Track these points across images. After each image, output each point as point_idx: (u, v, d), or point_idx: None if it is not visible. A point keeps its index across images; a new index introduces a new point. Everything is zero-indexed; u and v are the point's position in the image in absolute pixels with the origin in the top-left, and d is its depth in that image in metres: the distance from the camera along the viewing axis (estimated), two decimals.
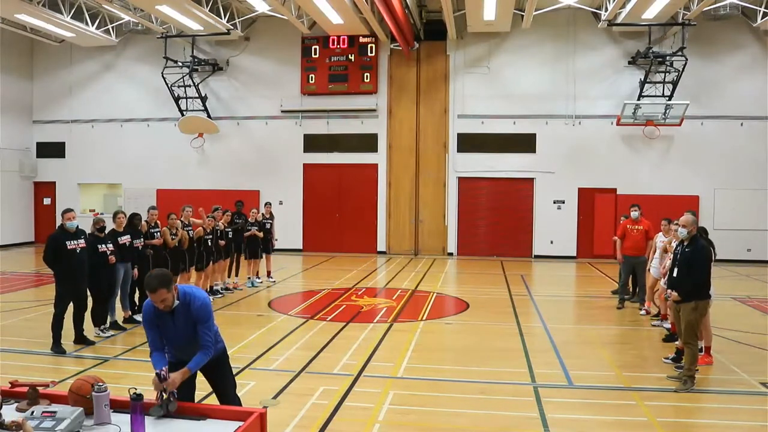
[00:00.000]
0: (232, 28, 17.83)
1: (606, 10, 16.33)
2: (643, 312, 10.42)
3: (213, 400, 4.53)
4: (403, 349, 8.17)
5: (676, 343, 7.55)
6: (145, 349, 7.77)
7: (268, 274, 13.72)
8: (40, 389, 3.53)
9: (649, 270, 10.12)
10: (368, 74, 18.94)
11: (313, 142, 19.57)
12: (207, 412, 3.46)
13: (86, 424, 3.18)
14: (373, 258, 18.48)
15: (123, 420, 3.21)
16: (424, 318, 10.31)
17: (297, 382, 6.71)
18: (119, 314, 9.30)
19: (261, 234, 13.10)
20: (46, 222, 20.75)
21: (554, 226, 18.55)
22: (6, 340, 8.30)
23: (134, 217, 9.47)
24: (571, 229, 18.58)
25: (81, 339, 8.19)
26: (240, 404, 4.33)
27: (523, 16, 16.54)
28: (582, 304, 12.15)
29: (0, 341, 8.18)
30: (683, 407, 6.13)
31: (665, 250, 9.07)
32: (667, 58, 16.92)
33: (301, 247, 19.65)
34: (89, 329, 8.43)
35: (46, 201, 21.29)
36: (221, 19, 17.03)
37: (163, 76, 18.78)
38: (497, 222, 18.96)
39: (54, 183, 21.26)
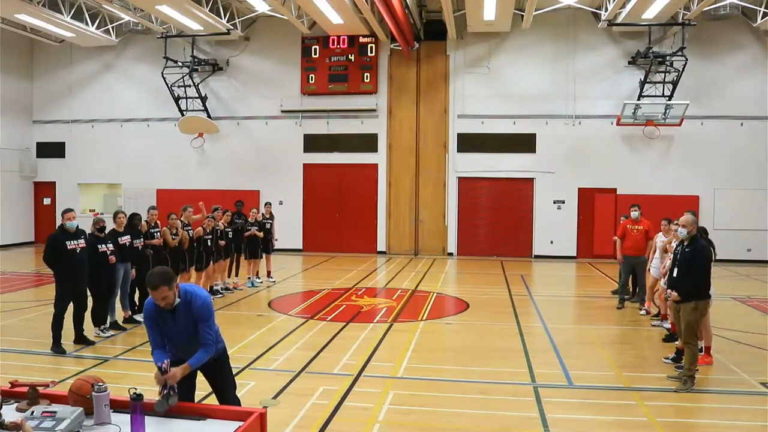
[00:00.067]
0: (232, 28, 17.83)
1: (606, 10, 16.33)
2: (643, 312, 10.42)
3: (213, 400, 4.53)
4: (403, 349, 8.17)
5: (676, 343, 7.55)
6: (144, 349, 7.81)
7: (268, 274, 13.72)
8: (40, 389, 3.53)
9: (649, 270, 10.11)
10: (368, 74, 18.94)
11: (313, 142, 19.58)
12: (207, 412, 3.46)
13: (86, 424, 3.18)
14: (373, 258, 18.49)
15: (123, 420, 3.21)
16: (424, 318, 10.31)
17: (297, 382, 6.71)
18: (119, 314, 9.30)
19: (261, 234, 13.11)
20: (46, 222, 20.75)
21: (554, 226, 18.55)
22: (6, 340, 8.30)
23: (134, 217, 9.48)
24: (571, 229, 18.58)
25: (81, 339, 8.19)
26: (239, 405, 4.33)
27: (523, 16, 16.54)
28: (582, 304, 12.15)
29: (0, 341, 8.18)
30: (683, 407, 6.13)
31: (665, 250, 9.07)
32: (667, 58, 16.92)
33: (301, 247, 19.65)
34: (89, 329, 8.43)
35: (46, 201, 21.29)
36: (221, 19, 17.03)
37: (163, 76, 18.79)
38: (497, 222, 18.96)
39: (54, 183, 21.26)
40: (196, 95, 19.22)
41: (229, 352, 4.54)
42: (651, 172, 18.01)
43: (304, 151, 19.63)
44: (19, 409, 3.35)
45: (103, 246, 8.54)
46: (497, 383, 6.74)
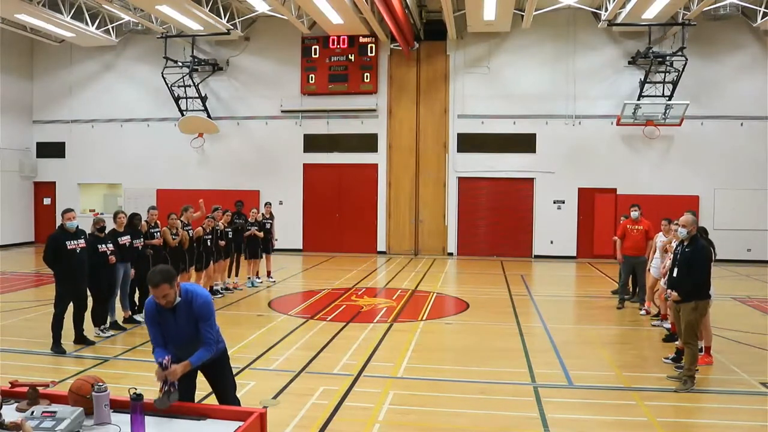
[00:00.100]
0: (232, 28, 17.83)
1: (606, 10, 16.33)
2: (643, 312, 10.42)
3: (213, 400, 4.53)
4: (403, 349, 8.17)
5: (676, 343, 7.55)
6: (144, 349, 7.82)
7: (268, 274, 13.72)
8: (40, 389, 3.53)
9: (649, 270, 10.11)
10: (368, 74, 18.94)
11: (313, 142, 19.58)
12: (207, 412, 3.46)
13: (86, 424, 3.18)
14: (373, 258, 18.49)
15: (123, 420, 3.21)
16: (424, 318, 10.31)
17: (297, 382, 6.71)
18: (119, 314, 9.30)
19: (261, 234, 13.11)
20: (46, 222, 20.75)
21: (554, 226, 18.56)
22: (6, 340, 8.30)
23: (134, 217, 9.48)
24: (571, 229, 18.58)
25: (81, 339, 8.19)
26: (240, 406, 4.32)
27: (523, 16, 16.54)
28: (582, 304, 12.15)
29: (0, 341, 8.18)
30: (683, 407, 6.13)
31: (665, 250, 9.07)
32: (667, 58, 16.92)
33: (301, 247, 19.65)
34: (89, 329, 8.43)
35: (46, 201, 21.29)
36: (221, 19, 17.03)
37: (163, 76, 18.79)
38: (497, 222, 18.96)
39: (54, 183, 21.26)
40: (196, 95, 19.22)
41: (229, 352, 4.54)
42: (651, 172, 18.01)
43: (304, 151, 19.63)
44: (19, 409, 3.35)
45: (103, 246, 8.54)
46: (497, 383, 6.74)
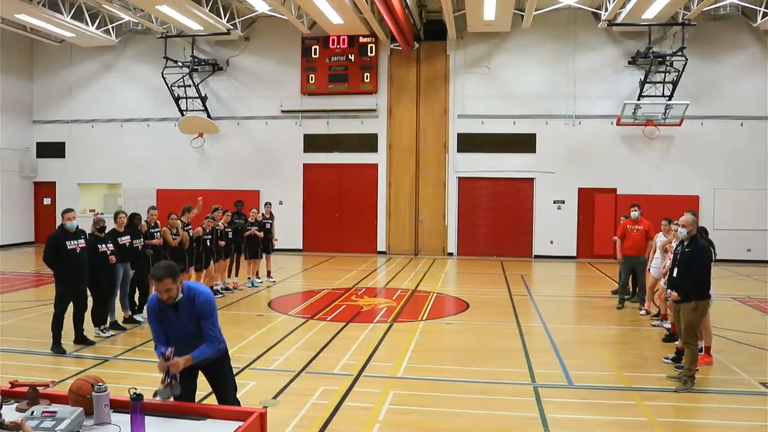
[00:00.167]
0: (232, 28, 17.83)
1: (606, 10, 16.33)
2: (643, 312, 10.42)
3: (213, 401, 4.53)
4: (403, 349, 8.17)
5: (676, 343, 7.55)
6: (144, 349, 7.84)
7: (268, 274, 13.72)
8: (40, 389, 3.53)
9: (649, 270, 10.11)
10: (368, 74, 18.94)
11: (313, 142, 19.58)
12: (207, 412, 3.45)
13: (86, 424, 3.18)
14: (373, 258, 18.49)
15: (123, 420, 3.21)
16: (424, 318, 10.31)
17: (297, 382, 6.71)
18: (119, 314, 9.30)
19: (261, 234, 13.11)
20: (46, 222, 20.75)
21: (554, 226, 18.55)
22: (6, 340, 8.30)
23: (134, 217, 9.48)
24: (571, 229, 18.58)
25: (81, 339, 8.19)
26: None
27: (523, 16, 16.54)
28: (582, 304, 12.15)
29: (0, 341, 8.18)
30: (683, 407, 6.13)
31: (665, 250, 9.07)
32: (667, 58, 16.92)
33: (301, 247, 19.65)
34: (89, 329, 8.43)
35: (46, 201, 21.29)
36: (221, 19, 17.03)
37: (163, 76, 18.78)
38: (497, 222, 18.96)
39: (54, 183, 21.26)
40: (196, 95, 19.22)
41: (229, 353, 4.54)
42: (651, 172, 18.01)
43: (304, 151, 19.63)
44: (19, 409, 3.35)
45: (103, 246, 8.54)
46: (497, 383, 6.74)
